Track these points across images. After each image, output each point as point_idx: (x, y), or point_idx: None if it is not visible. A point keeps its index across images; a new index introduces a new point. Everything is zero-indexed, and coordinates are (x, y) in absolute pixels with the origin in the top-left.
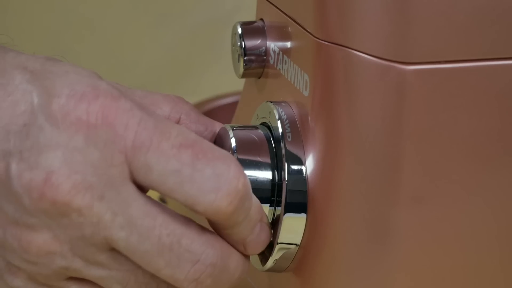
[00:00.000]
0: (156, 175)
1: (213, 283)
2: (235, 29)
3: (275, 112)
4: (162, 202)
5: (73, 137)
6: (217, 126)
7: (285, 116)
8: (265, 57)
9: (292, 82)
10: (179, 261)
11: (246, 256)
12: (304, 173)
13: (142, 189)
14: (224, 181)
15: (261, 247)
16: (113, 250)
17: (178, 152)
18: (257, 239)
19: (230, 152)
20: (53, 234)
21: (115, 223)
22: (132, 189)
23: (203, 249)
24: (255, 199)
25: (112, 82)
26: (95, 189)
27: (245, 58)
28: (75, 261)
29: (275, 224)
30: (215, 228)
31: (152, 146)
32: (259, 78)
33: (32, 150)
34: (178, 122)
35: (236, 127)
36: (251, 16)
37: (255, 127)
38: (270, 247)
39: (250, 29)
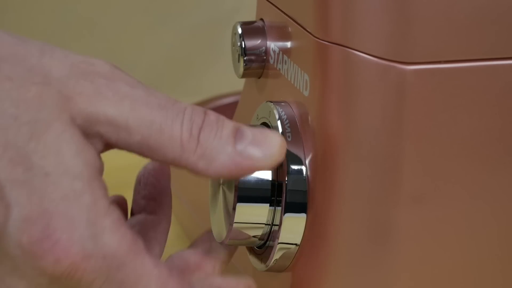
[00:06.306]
0: None
1: None
2: (235, 29)
3: (275, 112)
4: None
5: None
6: None
7: (285, 116)
8: (265, 57)
9: (292, 82)
10: None
11: None
12: (304, 173)
13: None
14: None
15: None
16: None
17: None
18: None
19: None
20: None
21: None
22: None
23: None
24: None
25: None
26: None
27: (245, 58)
28: None
29: (275, 224)
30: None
31: None
32: (259, 78)
33: None
34: None
35: None
36: (251, 16)
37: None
38: (270, 247)
39: (250, 29)
